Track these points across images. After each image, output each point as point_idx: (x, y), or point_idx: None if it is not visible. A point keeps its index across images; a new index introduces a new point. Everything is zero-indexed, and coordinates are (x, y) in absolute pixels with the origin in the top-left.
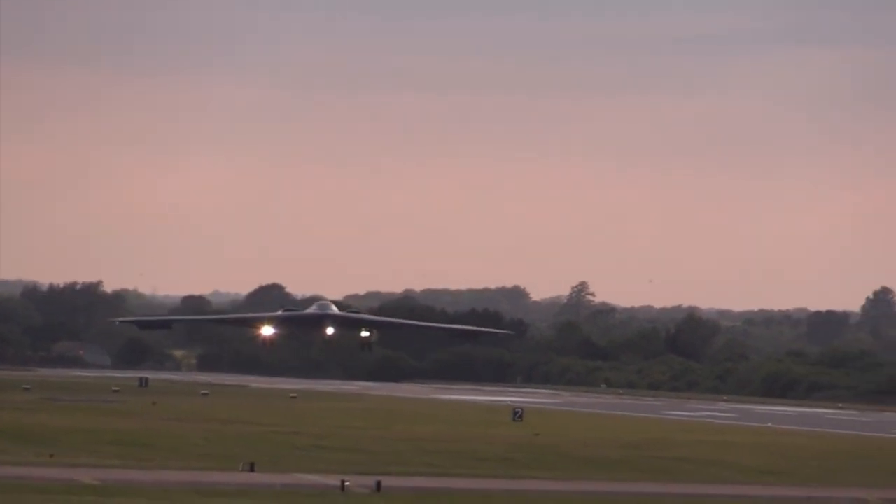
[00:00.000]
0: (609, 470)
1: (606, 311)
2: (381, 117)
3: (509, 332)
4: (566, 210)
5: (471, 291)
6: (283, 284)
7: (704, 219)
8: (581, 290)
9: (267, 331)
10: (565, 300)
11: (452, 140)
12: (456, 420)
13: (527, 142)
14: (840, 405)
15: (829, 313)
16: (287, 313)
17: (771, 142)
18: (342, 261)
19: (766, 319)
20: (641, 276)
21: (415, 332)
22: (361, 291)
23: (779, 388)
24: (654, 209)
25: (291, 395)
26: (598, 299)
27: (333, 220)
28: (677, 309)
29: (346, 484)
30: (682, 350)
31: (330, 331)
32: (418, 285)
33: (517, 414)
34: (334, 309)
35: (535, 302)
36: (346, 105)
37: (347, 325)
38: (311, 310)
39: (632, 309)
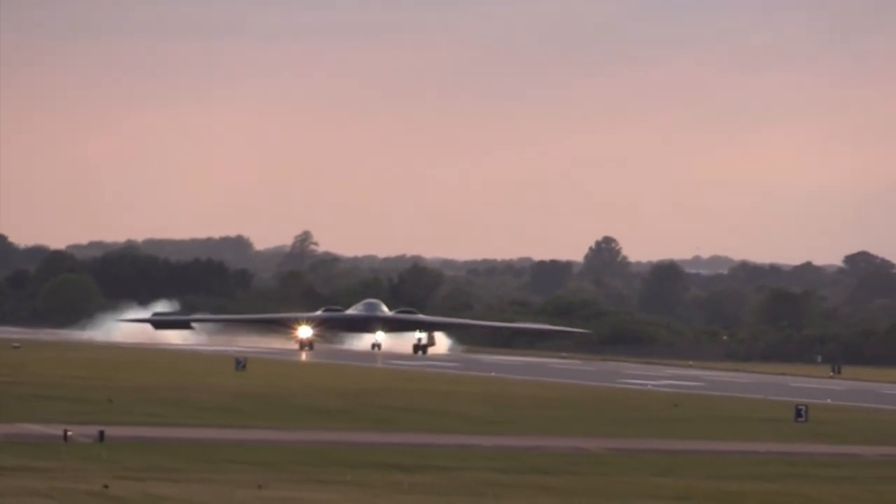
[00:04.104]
0: (331, 419)
1: (330, 260)
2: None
3: (586, 330)
4: (287, 160)
5: (194, 241)
6: (5, 234)
7: (428, 168)
8: (304, 239)
9: (305, 332)
10: (289, 250)
11: (172, 87)
12: (179, 369)
13: (242, 91)
14: (563, 354)
15: (553, 262)
16: (329, 314)
17: (486, 89)
18: (64, 210)
19: (490, 269)
20: (364, 226)
21: (482, 333)
22: (84, 241)
23: (503, 337)
24: (373, 158)
25: (14, 344)
26: (321, 249)
27: (53, 167)
28: (401, 258)
29: (69, 434)
30: (406, 299)
31: (380, 336)
32: (140, 234)
33: (240, 363)
34: (384, 309)
35: (258, 252)
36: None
37: (399, 326)
38: (357, 310)
39: (356, 258)
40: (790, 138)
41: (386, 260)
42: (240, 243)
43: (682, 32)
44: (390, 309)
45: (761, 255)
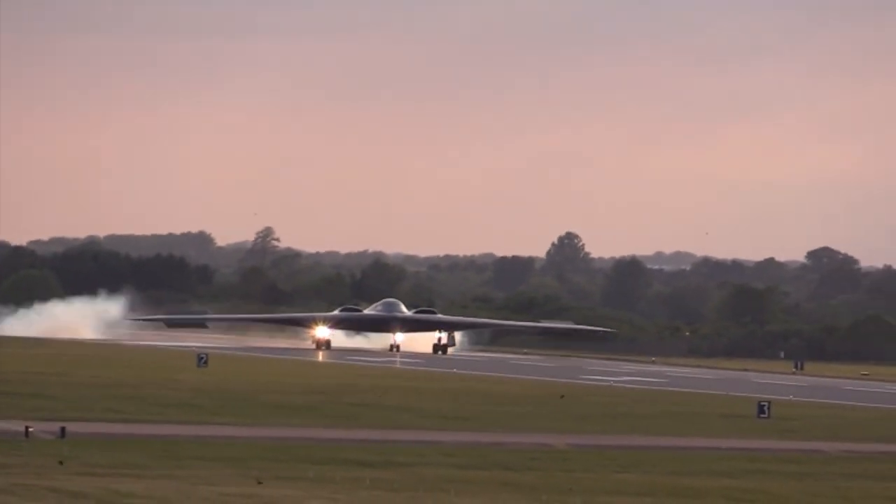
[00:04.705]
0: (295, 415)
1: (291, 256)
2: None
3: (610, 330)
4: (249, 156)
5: (156, 237)
6: None
7: (389, 164)
8: (266, 235)
9: (322, 332)
10: (250, 245)
11: (134, 84)
12: (141, 365)
13: (204, 88)
14: (525, 350)
15: (515, 258)
16: (346, 314)
17: (447, 86)
18: (26, 206)
19: (452, 265)
20: (326, 221)
21: (503, 333)
22: (45, 237)
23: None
24: (335, 154)
25: None
26: (283, 244)
27: (14, 162)
28: (363, 254)
29: (31, 430)
30: (368, 295)
31: (399, 337)
32: (102, 230)
33: (202, 359)
34: (403, 309)
35: (220, 248)
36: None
37: (418, 326)
38: (376, 310)
39: (317, 254)
40: (753, 134)
41: (348, 256)
42: (202, 239)
43: (645, 29)
44: (409, 308)
45: (724, 250)
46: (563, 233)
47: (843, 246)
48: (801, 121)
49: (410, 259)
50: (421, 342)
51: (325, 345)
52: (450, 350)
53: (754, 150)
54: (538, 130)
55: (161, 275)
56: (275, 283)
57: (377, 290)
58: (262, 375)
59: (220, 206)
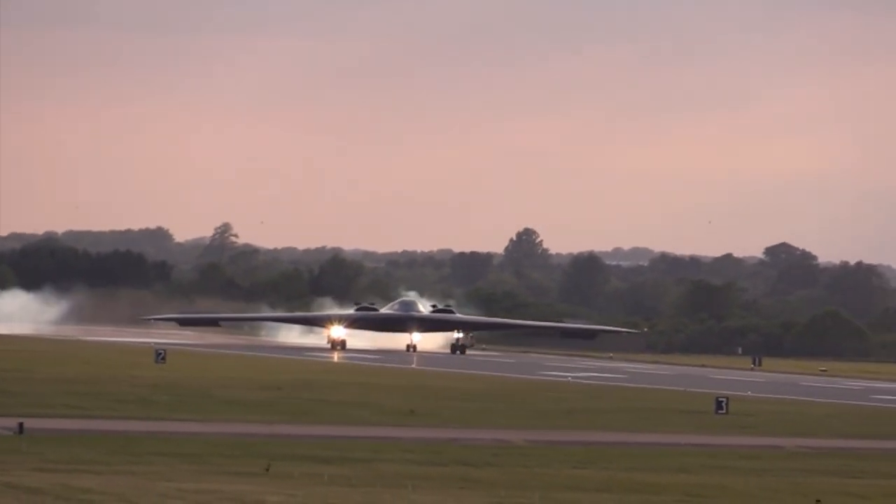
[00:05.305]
0: (251, 411)
1: (250, 252)
2: None
3: (634, 330)
4: (207, 152)
5: (114, 233)
6: None
7: (347, 160)
8: (224, 231)
9: (338, 332)
10: (208, 242)
11: (90, 78)
12: (99, 362)
13: (162, 83)
14: (484, 346)
15: (473, 254)
16: (361, 313)
17: (404, 83)
18: None
19: (410, 261)
20: (284, 217)
21: (523, 333)
22: (3, 233)
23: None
24: (293, 150)
25: None
26: (241, 241)
27: None
28: (321, 250)
29: None
30: (326, 291)
31: (416, 336)
32: (60, 226)
33: (160, 355)
34: (420, 308)
35: (178, 244)
36: None
37: (436, 326)
38: (392, 309)
39: (276, 250)
40: (711, 130)
41: (306, 252)
42: (160, 235)
43: (604, 24)
44: (426, 306)
45: (682, 246)
46: (521, 229)
47: (801, 242)
48: (759, 117)
49: (369, 255)
50: (430, 342)
51: (341, 345)
52: (468, 351)
53: (713, 146)
54: (497, 127)
55: (119, 271)
56: (233, 279)
57: (335, 286)
58: (221, 371)
59: (178, 202)
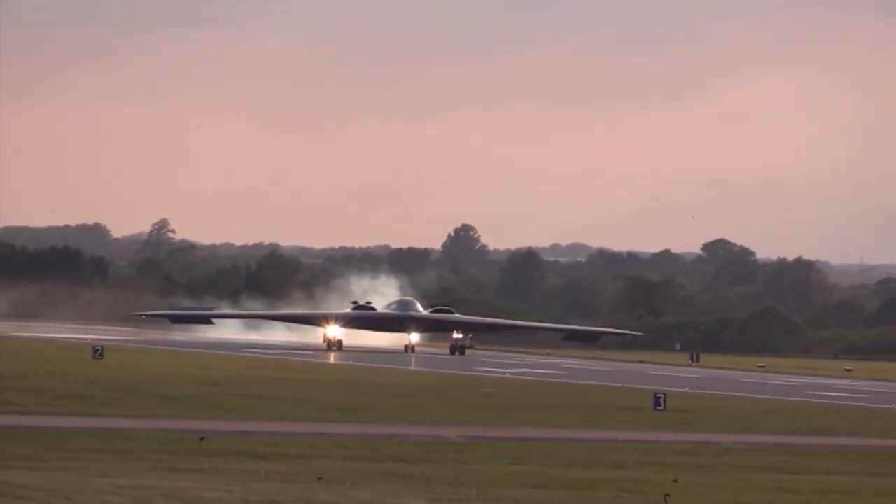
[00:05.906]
0: (187, 407)
1: (187, 248)
2: None
3: (636, 333)
4: (145, 147)
5: (51, 229)
6: None
7: (284, 156)
8: (162, 226)
9: (334, 331)
10: (146, 237)
11: (28, 75)
12: (35, 357)
13: (100, 78)
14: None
15: (411, 250)
16: (358, 312)
17: (341, 78)
18: None
19: (348, 257)
20: (222, 213)
21: (521, 334)
22: None
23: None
24: (230, 146)
25: None
26: (178, 236)
27: None
28: (258, 246)
29: None
30: (264, 287)
31: (413, 337)
32: None
33: (97, 351)
34: (419, 308)
35: (115, 239)
36: None
37: (434, 326)
38: (390, 309)
39: (213, 246)
40: (649, 126)
41: (243, 248)
42: (97, 231)
43: (542, 20)
44: (425, 307)
45: (619, 242)
46: (459, 225)
47: (738, 238)
48: (696, 113)
49: (306, 251)
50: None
51: (338, 345)
52: (467, 352)
53: (651, 141)
54: (434, 122)
55: (57, 267)
56: (170, 275)
57: (272, 282)
58: (158, 367)
59: (115, 197)
